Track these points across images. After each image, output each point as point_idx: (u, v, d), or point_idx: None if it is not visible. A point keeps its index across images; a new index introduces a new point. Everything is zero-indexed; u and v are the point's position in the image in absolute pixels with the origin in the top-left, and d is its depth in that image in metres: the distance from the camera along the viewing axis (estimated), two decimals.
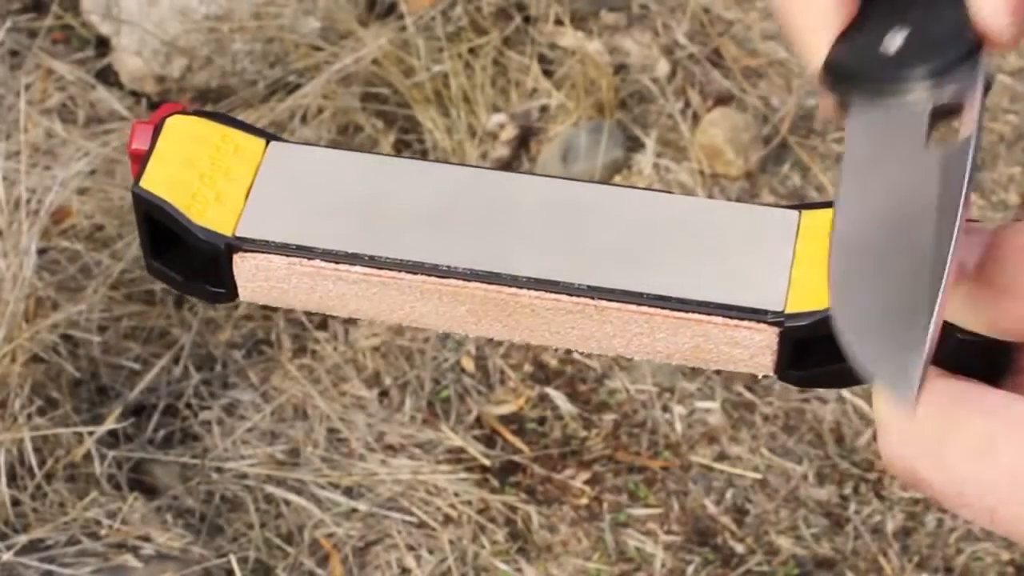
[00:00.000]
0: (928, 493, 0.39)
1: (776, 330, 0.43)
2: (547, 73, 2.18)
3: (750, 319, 0.43)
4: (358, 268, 0.45)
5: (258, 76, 2.16)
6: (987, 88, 0.44)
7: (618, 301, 0.44)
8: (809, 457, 1.81)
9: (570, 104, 2.12)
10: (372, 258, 0.45)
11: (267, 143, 0.48)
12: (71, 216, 1.91)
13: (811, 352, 0.44)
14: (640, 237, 0.45)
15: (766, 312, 0.43)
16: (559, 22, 2.22)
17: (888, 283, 0.40)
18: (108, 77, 2.19)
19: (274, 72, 2.16)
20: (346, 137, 2.10)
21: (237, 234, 0.46)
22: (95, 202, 1.92)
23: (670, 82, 2.18)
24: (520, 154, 2.11)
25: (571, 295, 0.44)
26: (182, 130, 0.48)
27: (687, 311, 0.44)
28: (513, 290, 0.45)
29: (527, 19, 2.23)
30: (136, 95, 2.17)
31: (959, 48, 0.44)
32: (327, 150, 0.49)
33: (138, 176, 0.47)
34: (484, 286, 0.45)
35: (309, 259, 0.46)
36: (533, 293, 0.45)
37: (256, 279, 0.46)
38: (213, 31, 2.14)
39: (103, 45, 2.23)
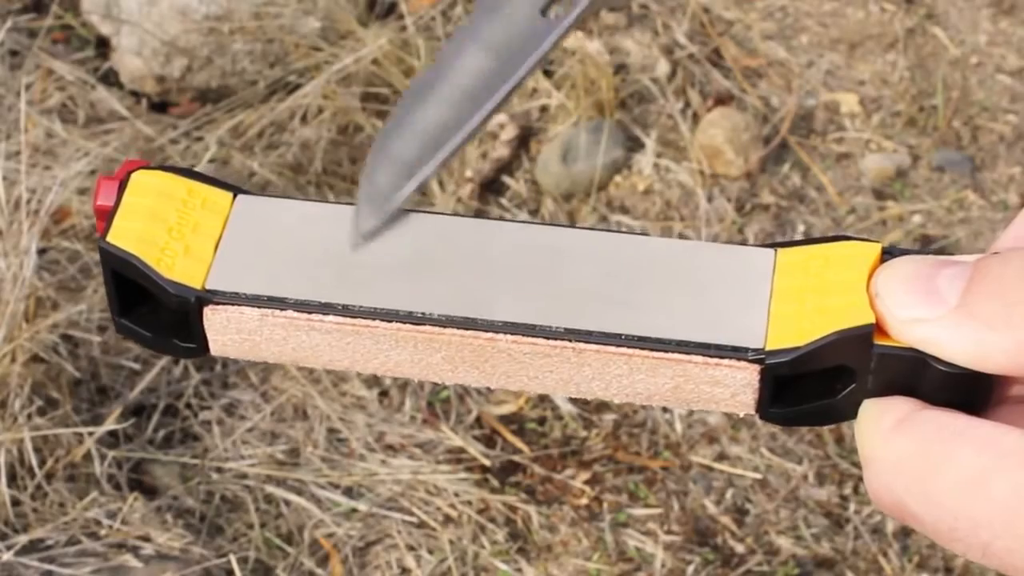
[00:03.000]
0: (917, 528, 0.39)
1: (757, 367, 0.43)
2: (547, 73, 2.18)
3: (730, 357, 0.43)
4: (331, 318, 0.45)
5: (258, 76, 2.16)
6: None
7: (596, 343, 0.44)
8: (809, 457, 1.81)
9: (570, 104, 2.12)
10: (345, 307, 0.45)
11: (234, 196, 0.48)
12: (71, 216, 1.91)
13: (792, 390, 0.44)
14: (616, 279, 0.45)
15: (746, 350, 0.43)
16: None
17: (422, 131, 0.45)
18: (108, 77, 2.19)
19: (274, 72, 2.16)
20: (346, 137, 2.10)
21: (207, 287, 0.45)
22: None
23: (670, 82, 2.18)
24: (520, 154, 2.11)
25: (548, 338, 0.44)
26: (148, 185, 0.47)
27: (666, 351, 0.43)
28: (489, 335, 0.44)
29: None
30: (136, 95, 2.17)
31: None
32: (295, 201, 0.48)
33: (104, 231, 0.46)
34: (460, 332, 0.44)
35: (281, 310, 0.45)
36: (510, 337, 0.44)
37: (227, 332, 0.46)
38: (213, 31, 2.14)
39: (103, 45, 2.23)
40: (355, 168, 2.08)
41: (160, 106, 2.18)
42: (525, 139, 2.13)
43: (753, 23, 2.32)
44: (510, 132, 2.10)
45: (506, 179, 2.09)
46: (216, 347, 0.46)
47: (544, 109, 2.16)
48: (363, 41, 2.13)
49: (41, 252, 1.82)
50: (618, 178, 2.09)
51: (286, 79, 2.16)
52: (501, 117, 2.12)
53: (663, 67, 2.20)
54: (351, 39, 2.15)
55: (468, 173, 2.06)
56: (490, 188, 2.08)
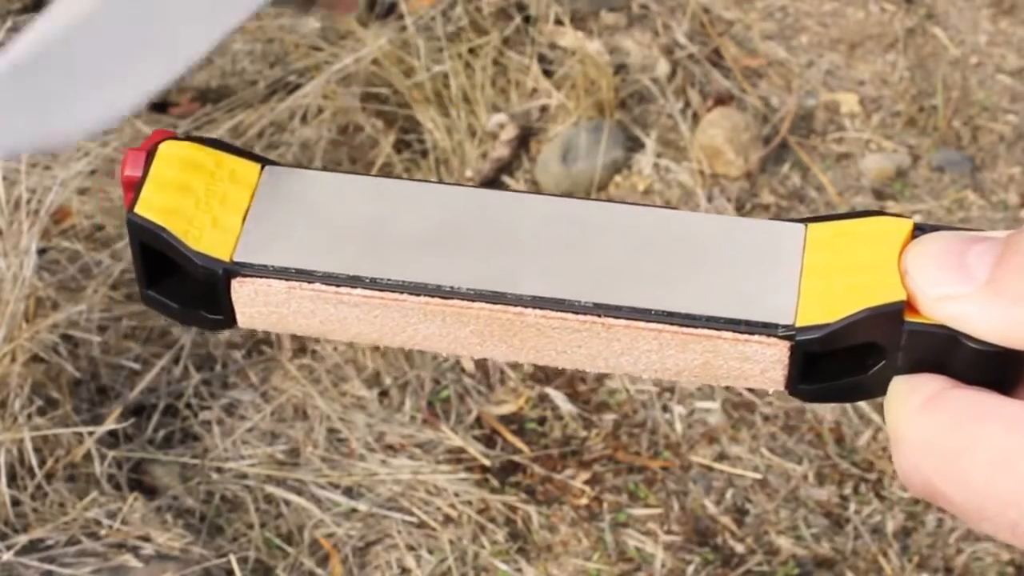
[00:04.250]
0: (946, 507, 0.39)
1: (787, 344, 0.43)
2: (547, 73, 2.18)
3: (760, 333, 0.43)
4: (359, 291, 0.45)
5: (258, 76, 2.16)
6: None
7: (626, 318, 0.44)
8: (809, 457, 1.81)
9: (570, 104, 2.12)
10: (374, 280, 0.45)
11: (262, 167, 0.48)
12: (71, 216, 1.91)
13: (821, 367, 0.44)
14: (645, 253, 0.45)
15: (777, 326, 0.43)
16: (559, 22, 2.22)
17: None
18: None
19: (274, 72, 2.16)
20: (346, 137, 2.10)
21: (235, 259, 0.45)
22: (95, 202, 1.92)
23: (670, 82, 2.18)
24: (520, 154, 2.11)
25: (577, 313, 0.44)
26: (175, 156, 0.47)
27: (696, 327, 0.43)
28: (518, 309, 0.44)
29: (527, 19, 2.24)
30: None
31: None
32: (323, 173, 0.48)
33: (132, 203, 0.46)
34: (489, 306, 0.44)
35: (309, 283, 0.45)
36: (539, 312, 0.44)
37: (255, 304, 0.46)
38: None
39: None
40: (355, 168, 2.08)
41: (160, 106, 2.18)
42: (525, 139, 2.13)
43: (753, 23, 2.32)
44: (510, 132, 2.10)
45: (506, 179, 2.09)
46: (244, 319, 0.46)
47: (544, 109, 2.16)
48: (363, 41, 2.13)
49: (41, 252, 1.82)
50: (618, 178, 2.09)
51: (286, 79, 2.16)
52: (501, 117, 2.12)
53: (663, 67, 2.20)
54: (351, 39, 2.15)
55: (468, 173, 2.06)
56: (490, 188, 2.08)
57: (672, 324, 0.43)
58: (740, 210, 2.06)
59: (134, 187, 0.46)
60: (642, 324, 0.44)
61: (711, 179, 2.08)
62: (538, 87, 2.16)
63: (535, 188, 2.08)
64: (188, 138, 0.48)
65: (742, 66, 2.25)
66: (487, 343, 0.45)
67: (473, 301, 0.44)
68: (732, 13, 2.33)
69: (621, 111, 2.15)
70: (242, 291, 0.46)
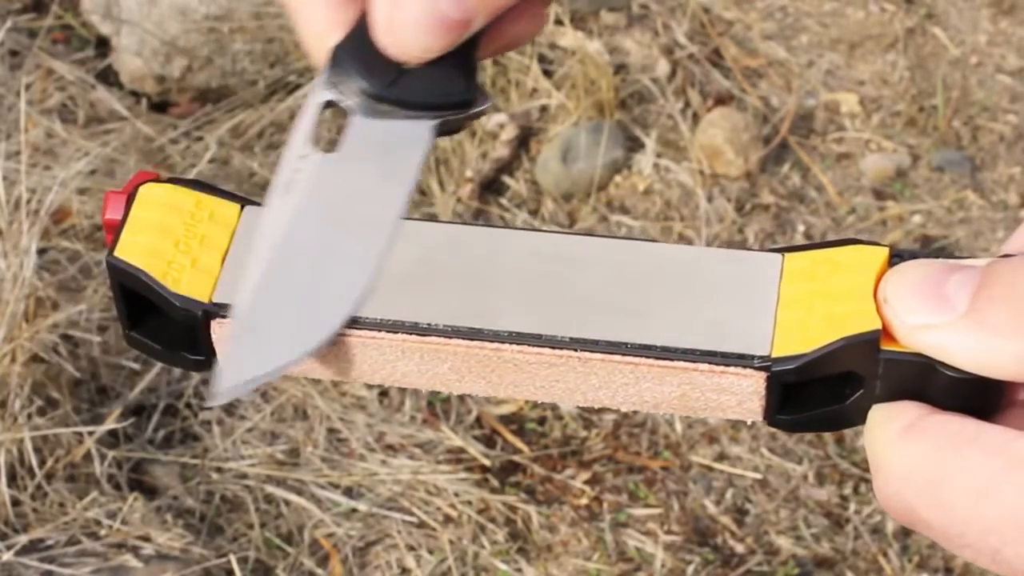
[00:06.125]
0: (927, 533, 0.39)
1: (763, 375, 0.43)
2: (547, 73, 2.18)
3: (736, 365, 0.43)
4: None
5: (258, 76, 2.16)
6: (478, 115, 0.47)
7: (602, 352, 0.44)
8: (809, 457, 1.81)
9: (570, 104, 2.12)
10: (351, 319, 0.45)
11: (242, 208, 0.48)
12: (71, 216, 1.91)
13: (799, 396, 0.44)
14: (622, 286, 0.45)
15: (752, 357, 0.43)
16: (559, 22, 2.22)
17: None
18: (108, 77, 2.19)
19: (274, 72, 2.16)
20: None
21: (214, 300, 0.45)
22: (95, 202, 1.92)
23: (670, 82, 2.18)
24: (520, 154, 2.11)
25: (554, 348, 0.44)
26: (155, 198, 0.47)
27: (672, 359, 0.43)
28: (495, 345, 0.44)
29: None
30: (136, 95, 2.17)
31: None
32: None
33: (112, 245, 0.46)
34: (466, 342, 0.44)
35: None
36: (515, 347, 0.44)
37: None
38: (213, 31, 2.14)
39: (103, 45, 2.23)
40: None
41: (160, 106, 2.18)
42: (525, 139, 2.13)
43: (753, 23, 2.32)
44: (510, 132, 2.10)
45: (506, 179, 2.08)
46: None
47: (544, 109, 2.16)
48: None
49: (41, 252, 1.82)
50: (618, 178, 2.09)
51: (286, 79, 2.16)
52: (501, 117, 2.12)
53: (663, 67, 2.20)
54: None
55: (468, 173, 2.06)
56: (490, 188, 2.08)
57: (648, 357, 0.43)
58: (740, 210, 2.06)
59: (115, 229, 0.47)
60: (618, 358, 0.44)
61: (711, 179, 2.08)
62: (538, 87, 2.16)
63: (535, 188, 2.08)
64: (169, 179, 0.48)
65: (742, 66, 2.25)
66: (465, 379, 0.45)
67: (450, 338, 0.44)
68: (732, 13, 2.33)
69: (621, 111, 2.15)
70: (222, 332, 0.46)
